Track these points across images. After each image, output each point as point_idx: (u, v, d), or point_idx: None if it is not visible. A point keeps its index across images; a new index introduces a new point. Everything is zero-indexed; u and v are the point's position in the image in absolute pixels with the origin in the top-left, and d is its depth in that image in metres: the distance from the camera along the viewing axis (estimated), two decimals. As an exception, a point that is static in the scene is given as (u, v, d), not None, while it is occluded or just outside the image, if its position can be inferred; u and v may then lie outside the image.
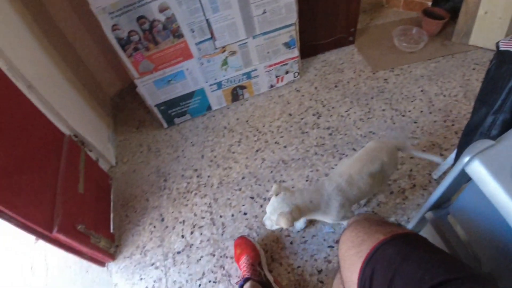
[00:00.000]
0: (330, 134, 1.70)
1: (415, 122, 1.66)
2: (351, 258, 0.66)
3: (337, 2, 1.90)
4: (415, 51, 2.04)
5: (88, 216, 1.45)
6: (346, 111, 1.79)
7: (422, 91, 1.81)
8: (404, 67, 1.96)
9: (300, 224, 1.37)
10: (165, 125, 1.90)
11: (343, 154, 1.60)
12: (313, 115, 1.80)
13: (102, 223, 1.56)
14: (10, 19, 1.43)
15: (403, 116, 1.71)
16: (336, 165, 1.55)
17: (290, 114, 1.83)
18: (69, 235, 1.30)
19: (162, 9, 1.42)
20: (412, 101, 1.77)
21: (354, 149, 1.60)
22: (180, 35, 1.52)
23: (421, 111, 1.71)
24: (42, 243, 1.76)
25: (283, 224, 1.02)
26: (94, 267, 1.50)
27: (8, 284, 1.75)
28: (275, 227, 1.12)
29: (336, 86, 1.93)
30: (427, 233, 1.02)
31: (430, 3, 2.24)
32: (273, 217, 1.06)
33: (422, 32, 2.06)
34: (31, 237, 1.83)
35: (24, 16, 1.51)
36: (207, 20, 1.51)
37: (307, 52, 2.08)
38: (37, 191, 1.26)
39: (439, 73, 1.88)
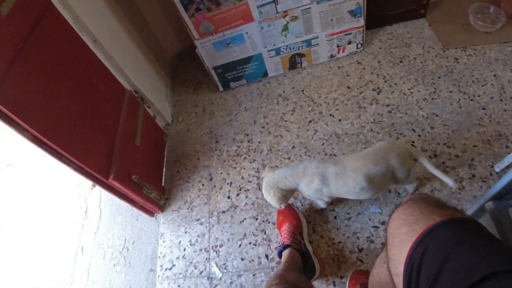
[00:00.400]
0: (389, 112, 1.60)
1: (484, 109, 1.51)
2: (402, 236, 0.63)
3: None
4: (491, 32, 1.81)
5: (142, 168, 1.54)
6: (409, 89, 1.67)
7: (495, 75, 1.62)
8: (477, 48, 1.76)
9: (321, 203, 1.31)
10: (220, 88, 1.92)
11: (401, 134, 1.51)
12: (373, 90, 1.71)
13: (155, 176, 1.65)
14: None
15: (471, 100, 1.55)
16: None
17: (348, 87, 1.75)
18: (123, 183, 1.39)
19: (226, -32, 1.40)
20: (482, 86, 1.60)
21: (413, 130, 1.50)
22: (242, -4, 1.49)
23: (491, 97, 1.54)
24: (97, 191, 1.93)
25: (273, 204, 1.12)
26: (143, 216, 1.62)
27: (64, 225, 1.95)
28: (280, 206, 1.17)
29: (401, 62, 1.80)
30: (483, 224, 0.96)
31: None
32: (267, 198, 1.13)
33: (500, 12, 1.82)
34: (88, 184, 2.01)
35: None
36: (271, -17, 1.47)
37: (373, 23, 1.94)
38: (97, 140, 1.36)
39: (515, 58, 1.67)
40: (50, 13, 1.28)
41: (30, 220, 2.18)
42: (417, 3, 1.92)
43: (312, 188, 1.12)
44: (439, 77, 1.67)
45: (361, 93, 1.71)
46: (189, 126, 1.86)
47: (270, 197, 1.16)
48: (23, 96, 1.06)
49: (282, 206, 1.18)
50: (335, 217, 1.34)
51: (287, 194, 1.17)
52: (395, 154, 1.05)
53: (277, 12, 1.58)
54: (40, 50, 1.16)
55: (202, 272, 1.38)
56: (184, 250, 1.45)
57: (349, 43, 1.82)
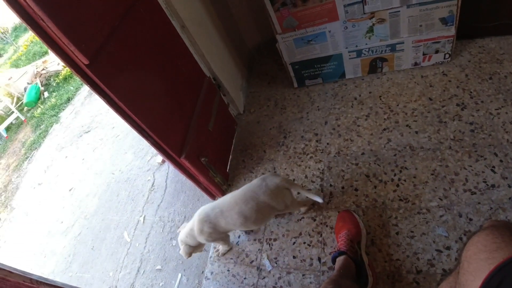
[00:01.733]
0: (472, 131, 1.48)
1: None
2: (479, 262, 0.60)
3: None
4: None
5: (212, 152, 1.61)
6: (496, 109, 1.52)
7: None
8: None
9: (222, 248, 1.47)
10: (295, 84, 1.93)
11: (481, 156, 1.38)
12: (457, 105, 1.59)
13: (222, 161, 1.72)
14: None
15: (562, 128, 1.38)
16: (469, 165, 1.36)
17: (430, 99, 1.65)
18: (193, 164, 1.47)
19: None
20: None
21: (495, 154, 1.37)
22: (330, -5, 1.47)
23: None
24: (165, 167, 2.06)
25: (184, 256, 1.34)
26: (205, 197, 1.70)
27: (132, 194, 2.10)
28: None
29: (490, 78, 1.64)
30: None
31: None
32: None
33: None
34: (158, 159, 2.14)
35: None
36: (362, -18, 1.42)
37: (464, 33, 1.79)
38: (175, 119, 1.45)
39: None
40: (148, 2, 1.38)
41: (99, 185, 2.39)
42: (514, 17, 1.73)
43: (206, 233, 1.28)
44: (529, 100, 1.51)
45: (443, 106, 1.60)
46: (260, 118, 1.90)
47: (182, 251, 1.35)
48: (115, 70, 1.16)
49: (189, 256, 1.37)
50: (397, 233, 1.28)
51: (195, 249, 1.37)
52: (263, 192, 1.21)
53: (364, 13, 1.54)
54: (134, 29, 1.26)
55: (252, 261, 1.41)
56: (239, 237, 1.50)
57: (437, 52, 1.70)
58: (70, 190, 2.53)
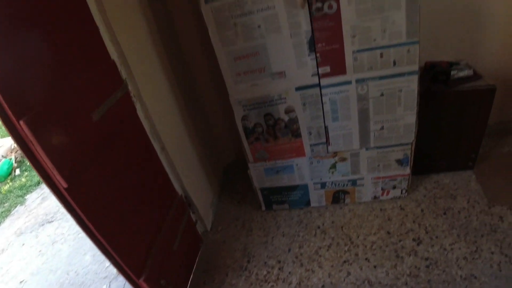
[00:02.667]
0: (427, 267, 1.55)
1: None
2: None
3: (460, 125, 1.84)
4: None
5: (172, 273, 1.58)
6: (450, 245, 1.62)
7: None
8: None
9: None
10: (263, 207, 2.01)
11: (437, 294, 1.43)
12: (413, 240, 1.69)
13: (181, 282, 1.67)
14: (165, 94, 1.77)
15: (512, 264, 1.47)
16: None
17: (388, 232, 1.75)
18: (151, 287, 1.42)
19: (287, 111, 1.59)
20: (527, 251, 1.52)
21: (451, 292, 1.43)
22: (298, 135, 1.66)
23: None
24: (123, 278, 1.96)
25: None
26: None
27: None
28: None
29: (444, 214, 1.79)
30: None
31: None
32: None
33: None
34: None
35: (176, 96, 1.84)
36: (325, 127, 1.63)
37: (420, 169, 2.00)
38: (140, 239, 1.44)
39: None
40: (133, 122, 1.50)
41: (52, 284, 2.21)
42: (465, 155, 1.97)
43: None
44: (482, 235, 1.62)
45: (400, 241, 1.69)
46: (226, 238, 1.92)
47: None
48: (91, 193, 1.19)
49: None
50: None
51: None
52: None
53: (328, 152, 1.72)
54: (116, 154, 1.33)
55: None
56: None
57: (394, 187, 1.87)
58: (20, 282, 2.33)
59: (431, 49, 2.01)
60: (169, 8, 1.91)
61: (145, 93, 1.53)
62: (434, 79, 1.81)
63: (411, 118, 1.60)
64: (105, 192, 1.28)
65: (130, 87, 1.48)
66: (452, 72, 1.80)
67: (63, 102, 1.09)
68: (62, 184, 1.09)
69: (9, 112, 0.94)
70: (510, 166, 1.97)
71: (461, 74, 1.81)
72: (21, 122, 0.95)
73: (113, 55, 1.41)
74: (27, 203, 3.66)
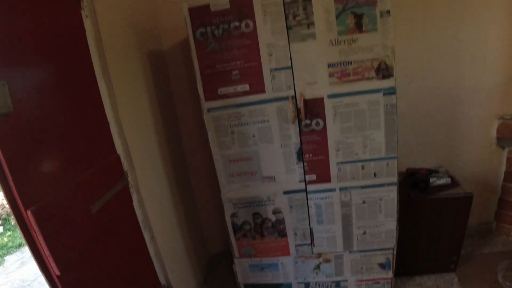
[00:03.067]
0: None
1: None
2: None
3: (441, 230, 1.93)
4: None
5: None
6: None
7: None
8: None
9: None
10: (245, 304, 1.99)
11: None
12: None
13: None
14: (161, 185, 1.85)
15: None
16: None
17: None
18: None
19: (275, 212, 1.68)
20: None
21: None
22: (284, 235, 1.72)
23: None
24: None
25: None
26: None
27: None
28: None
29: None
30: None
31: None
32: None
33: None
34: None
35: (172, 188, 1.93)
36: (310, 229, 1.70)
37: (403, 271, 2.04)
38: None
39: None
40: (128, 213, 1.56)
41: None
42: (447, 257, 2.02)
43: None
44: None
45: None
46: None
47: None
48: (82, 282, 1.20)
49: None
50: None
51: None
52: None
53: (312, 253, 1.77)
54: (110, 241, 1.36)
55: None
56: None
57: (377, 290, 1.88)
58: None
59: (412, 156, 2.19)
60: (177, 113, 2.11)
61: (142, 184, 1.61)
62: (414, 186, 1.94)
63: (392, 225, 1.69)
64: (95, 281, 1.29)
65: (129, 179, 1.57)
66: (431, 180, 1.94)
67: (67, 195, 1.15)
68: (56, 271, 1.12)
69: (19, 201, 1.00)
70: (491, 267, 2.02)
71: (440, 182, 1.96)
72: (28, 212, 1.01)
73: (119, 150, 1.50)
74: (5, 264, 3.53)
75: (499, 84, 2.05)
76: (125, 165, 1.54)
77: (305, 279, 1.84)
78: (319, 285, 1.86)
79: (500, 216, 2.35)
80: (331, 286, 1.86)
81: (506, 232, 2.33)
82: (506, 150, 2.19)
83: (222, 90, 1.53)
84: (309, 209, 1.67)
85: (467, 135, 2.17)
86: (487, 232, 2.40)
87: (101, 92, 1.43)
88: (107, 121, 1.46)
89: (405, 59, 1.96)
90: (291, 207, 1.67)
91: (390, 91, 1.48)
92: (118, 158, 1.49)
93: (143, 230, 1.66)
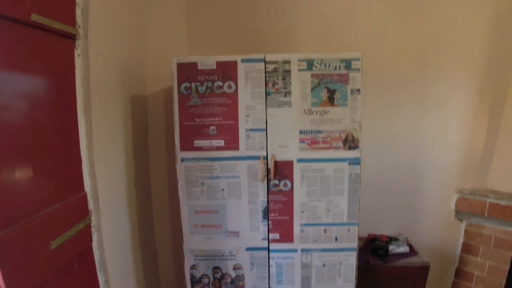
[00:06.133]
0: None
1: None
2: None
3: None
4: None
5: None
6: None
7: None
8: None
9: None
10: None
11: None
12: None
13: None
14: (122, 227, 1.83)
15: None
16: None
17: None
18: None
19: (235, 268, 1.69)
20: None
21: None
22: (244, 296, 1.72)
23: None
24: None
25: None
26: None
27: None
28: None
29: None
30: None
31: None
32: None
33: None
34: None
35: (133, 232, 1.92)
36: (270, 288, 1.71)
37: None
38: None
39: None
40: (86, 253, 1.52)
41: None
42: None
43: None
44: None
45: None
46: None
47: None
48: None
49: None
50: None
51: None
52: None
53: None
54: (65, 281, 1.32)
55: None
56: None
57: None
58: None
59: (375, 222, 2.27)
60: (150, 158, 2.14)
61: (105, 225, 1.59)
62: (374, 252, 1.99)
63: (350, 290, 1.72)
64: None
65: (92, 218, 1.55)
66: (390, 248, 2.01)
67: (29, 227, 1.13)
68: None
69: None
70: None
71: (398, 250, 2.03)
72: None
73: (87, 187, 1.50)
74: None
75: (459, 162, 2.21)
76: (91, 204, 1.53)
77: None
78: None
79: (457, 286, 2.42)
80: None
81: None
82: (464, 222, 2.30)
83: (198, 143, 1.58)
84: (270, 268, 1.68)
85: (427, 206, 2.29)
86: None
87: (79, 129, 1.45)
88: (81, 159, 1.47)
89: (372, 133, 2.11)
90: (252, 264, 1.68)
91: (355, 161, 1.58)
92: (84, 196, 1.49)
93: (98, 272, 1.61)
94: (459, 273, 2.39)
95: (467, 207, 2.22)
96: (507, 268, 2.13)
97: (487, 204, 2.13)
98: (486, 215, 2.14)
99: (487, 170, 2.21)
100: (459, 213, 2.29)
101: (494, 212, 2.11)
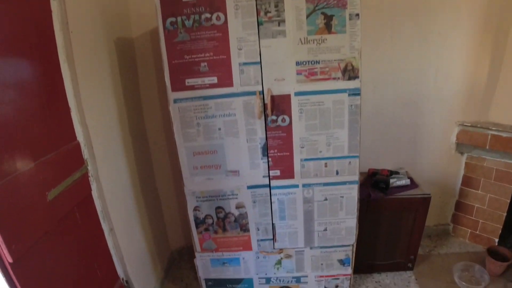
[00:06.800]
0: None
1: None
2: None
3: (399, 229, 2.01)
4: None
5: None
6: None
7: None
8: None
9: None
10: (207, 299, 1.98)
11: None
12: None
13: None
14: (122, 176, 1.81)
15: None
16: None
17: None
18: None
19: (238, 206, 1.68)
20: None
21: None
22: (247, 230, 1.73)
23: None
24: None
25: None
26: None
27: None
28: None
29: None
30: None
31: (496, 240, 2.22)
32: None
33: (484, 271, 1.98)
34: None
35: (133, 179, 1.89)
36: (273, 224, 1.72)
37: (362, 268, 2.10)
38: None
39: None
40: (86, 202, 1.51)
41: None
42: (405, 257, 2.10)
43: None
44: None
45: None
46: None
47: None
48: (35, 272, 1.16)
49: None
50: None
51: None
52: None
53: (274, 248, 1.79)
54: (65, 235, 1.32)
55: None
56: None
57: (336, 286, 1.92)
58: None
59: (375, 157, 2.25)
60: (142, 103, 2.07)
61: (103, 174, 1.57)
62: (375, 186, 1.99)
63: (352, 222, 1.73)
64: (49, 271, 1.24)
65: (89, 168, 1.53)
66: (391, 181, 2.01)
67: (23, 179, 1.11)
68: (8, 258, 1.07)
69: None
70: (447, 268, 2.11)
71: (400, 182, 2.03)
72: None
73: (79, 136, 1.46)
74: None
75: (461, 94, 2.15)
76: (85, 153, 1.50)
77: (266, 274, 1.86)
78: (279, 280, 1.88)
79: (457, 218, 2.47)
80: (291, 281, 1.89)
81: (463, 234, 2.44)
82: (465, 155, 2.29)
83: (190, 81, 1.51)
84: (272, 204, 1.68)
85: (428, 139, 2.26)
86: (444, 234, 2.51)
87: (64, 77, 1.38)
88: (69, 107, 1.41)
89: (372, 65, 2.02)
90: (254, 202, 1.68)
91: (355, 92, 1.52)
92: (78, 145, 1.45)
93: (101, 221, 1.62)
94: (459, 206, 2.42)
95: (469, 140, 2.20)
96: (508, 201, 2.15)
97: (489, 136, 2.10)
98: (487, 147, 2.12)
99: (490, 103, 2.16)
100: (460, 146, 2.27)
101: (496, 144, 2.09)
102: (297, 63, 1.48)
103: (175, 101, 1.54)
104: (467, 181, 2.34)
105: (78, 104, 1.44)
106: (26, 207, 1.12)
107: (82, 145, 1.47)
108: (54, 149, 1.29)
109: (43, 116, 1.24)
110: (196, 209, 1.70)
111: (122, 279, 1.74)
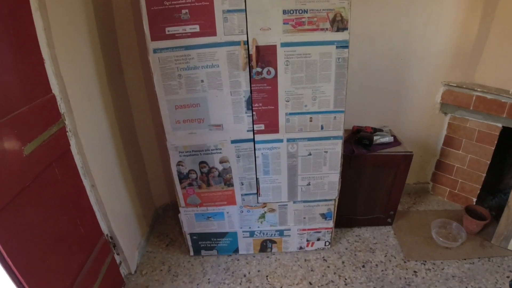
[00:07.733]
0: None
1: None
2: None
3: (381, 185, 2.06)
4: (452, 248, 2.01)
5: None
6: (367, 298, 1.75)
7: (450, 293, 1.72)
8: (436, 262, 1.92)
9: None
10: (191, 252, 2.01)
11: None
12: (333, 292, 1.78)
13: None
14: (102, 131, 1.76)
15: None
16: None
17: (310, 283, 1.83)
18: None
19: (222, 161, 1.67)
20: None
21: None
22: (231, 185, 1.73)
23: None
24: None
25: None
26: None
27: None
28: None
29: (363, 266, 1.92)
30: None
31: (475, 199, 2.29)
32: None
33: (461, 229, 2.07)
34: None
35: (114, 134, 1.84)
36: (257, 179, 1.72)
37: (343, 223, 2.16)
38: (60, 278, 1.36)
39: (472, 276, 1.81)
40: (65, 158, 1.47)
41: None
42: (384, 212, 2.17)
43: None
44: (396, 288, 1.76)
45: (320, 293, 1.78)
46: (149, 282, 1.87)
47: None
48: (14, 229, 1.13)
49: None
50: None
51: None
52: None
53: (258, 203, 1.80)
54: (43, 190, 1.29)
55: None
56: None
57: (318, 239, 1.98)
58: None
59: (360, 115, 2.25)
60: (121, 55, 1.96)
61: (81, 129, 1.52)
62: (359, 142, 2.00)
63: (335, 177, 1.75)
64: (28, 229, 1.22)
65: (66, 122, 1.47)
66: (375, 138, 2.02)
67: None
68: None
69: None
70: (425, 224, 2.19)
71: (383, 140, 2.04)
72: None
73: (55, 89, 1.40)
74: None
75: (448, 52, 2.12)
76: (62, 107, 1.44)
77: (250, 227, 1.89)
78: (263, 234, 1.92)
79: (437, 177, 2.53)
80: (274, 234, 1.93)
81: (441, 193, 2.52)
82: (448, 115, 2.31)
83: (170, 30, 1.43)
84: (256, 159, 1.67)
85: (413, 98, 2.26)
86: (424, 192, 2.58)
87: (36, 25, 1.29)
88: (42, 57, 1.32)
89: (360, 18, 1.95)
90: (238, 156, 1.66)
91: (343, 44, 1.47)
92: (53, 98, 1.39)
93: (82, 177, 1.58)
94: (440, 165, 2.48)
95: (453, 100, 2.21)
96: (488, 162, 2.20)
97: (474, 97, 2.11)
98: (471, 108, 2.13)
99: (476, 64, 2.15)
100: (444, 106, 2.28)
101: (480, 106, 2.10)
102: (284, 12, 1.41)
103: (154, 51, 1.46)
104: (449, 141, 2.38)
105: (52, 55, 1.37)
106: (0, 162, 1.07)
107: (58, 98, 1.41)
108: (28, 102, 1.24)
109: (14, 68, 1.17)
110: (179, 164, 1.68)
111: (107, 235, 1.74)
